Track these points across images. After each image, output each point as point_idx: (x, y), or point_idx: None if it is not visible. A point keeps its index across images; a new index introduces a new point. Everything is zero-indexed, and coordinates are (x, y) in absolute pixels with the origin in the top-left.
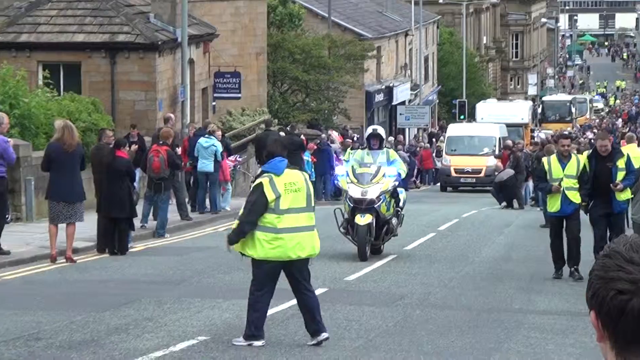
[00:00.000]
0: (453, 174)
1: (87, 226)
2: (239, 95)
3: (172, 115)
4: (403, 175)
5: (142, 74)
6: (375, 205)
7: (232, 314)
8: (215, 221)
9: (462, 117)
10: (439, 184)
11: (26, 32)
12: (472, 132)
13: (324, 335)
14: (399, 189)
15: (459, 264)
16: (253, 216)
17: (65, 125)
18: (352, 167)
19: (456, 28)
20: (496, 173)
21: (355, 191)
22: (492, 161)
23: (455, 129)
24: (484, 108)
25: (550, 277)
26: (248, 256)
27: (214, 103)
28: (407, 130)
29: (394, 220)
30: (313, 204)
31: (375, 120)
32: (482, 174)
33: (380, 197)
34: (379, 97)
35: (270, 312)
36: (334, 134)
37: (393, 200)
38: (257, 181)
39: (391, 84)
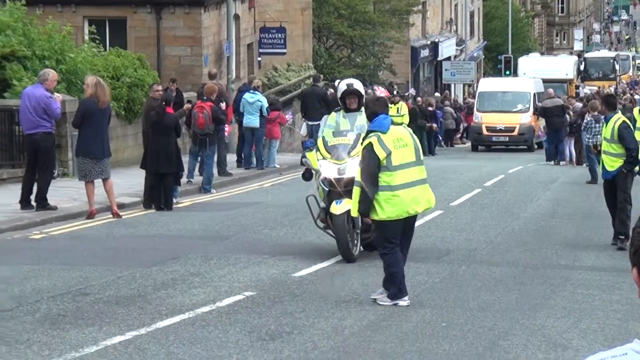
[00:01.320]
0: (485, 132)
1: (134, 182)
2: (285, 50)
3: (216, 71)
4: None
5: (188, 30)
6: None
7: (278, 269)
8: (261, 177)
9: (507, 72)
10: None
11: None
12: (504, 88)
13: (387, 301)
14: None
15: (504, 220)
16: (372, 179)
17: (98, 81)
18: (324, 137)
19: None
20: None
21: (329, 170)
22: (526, 118)
23: (486, 84)
24: (526, 63)
25: (598, 233)
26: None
27: (259, 58)
28: (452, 86)
29: None
30: (422, 157)
31: (420, 76)
32: (515, 132)
33: None
34: (425, 53)
35: (315, 267)
36: (380, 90)
37: None
38: (366, 141)
39: (436, 40)
